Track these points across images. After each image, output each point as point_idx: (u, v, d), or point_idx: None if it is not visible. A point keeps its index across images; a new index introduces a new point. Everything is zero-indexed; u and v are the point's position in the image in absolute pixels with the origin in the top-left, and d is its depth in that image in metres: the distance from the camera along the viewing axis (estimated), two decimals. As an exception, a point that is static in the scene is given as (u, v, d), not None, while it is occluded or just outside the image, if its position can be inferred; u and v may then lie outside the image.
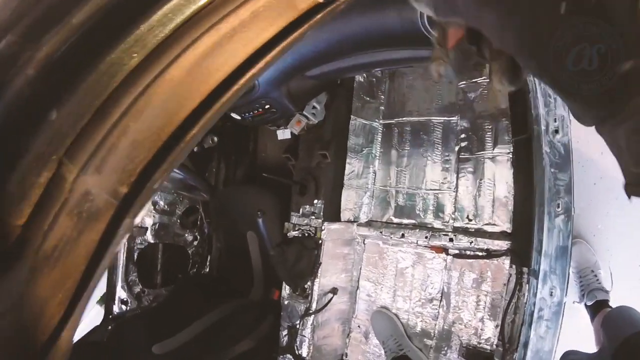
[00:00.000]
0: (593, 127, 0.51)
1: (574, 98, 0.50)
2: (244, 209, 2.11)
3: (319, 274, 1.90)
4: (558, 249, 1.70)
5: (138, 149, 0.50)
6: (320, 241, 1.90)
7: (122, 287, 2.22)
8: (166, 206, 2.33)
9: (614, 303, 2.03)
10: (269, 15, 0.54)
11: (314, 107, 1.85)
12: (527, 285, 1.70)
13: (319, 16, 0.56)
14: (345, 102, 1.97)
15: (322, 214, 1.91)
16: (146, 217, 2.28)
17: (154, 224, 2.29)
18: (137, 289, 2.26)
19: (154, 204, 2.29)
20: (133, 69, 0.49)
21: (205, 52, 0.51)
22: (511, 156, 1.82)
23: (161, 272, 2.35)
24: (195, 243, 2.43)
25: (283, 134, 1.96)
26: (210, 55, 0.52)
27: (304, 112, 1.83)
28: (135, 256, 2.24)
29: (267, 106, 1.72)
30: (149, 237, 2.28)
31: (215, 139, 2.25)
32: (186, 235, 2.41)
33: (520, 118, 1.80)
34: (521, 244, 1.73)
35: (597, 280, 2.01)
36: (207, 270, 2.46)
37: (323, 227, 1.89)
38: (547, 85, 0.51)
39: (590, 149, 2.15)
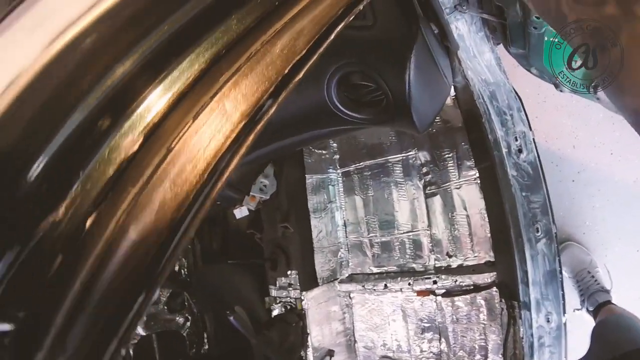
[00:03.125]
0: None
1: None
2: (223, 289, 2.06)
3: (309, 343, 1.85)
4: (546, 275, 1.61)
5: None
6: (302, 312, 1.84)
7: (125, 385, 2.19)
8: (149, 296, 2.28)
9: (617, 295, 1.96)
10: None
11: (261, 182, 1.77)
12: (521, 319, 1.62)
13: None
14: (296, 162, 1.88)
15: (298, 284, 1.84)
16: (132, 311, 2.23)
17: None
18: (141, 383, 2.23)
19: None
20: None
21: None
22: (478, 182, 1.73)
23: (162, 361, 2.31)
24: (188, 324, 2.38)
25: (240, 213, 1.89)
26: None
27: (252, 193, 1.75)
28: (131, 352, 2.21)
29: (211, 200, 1.64)
30: (139, 330, 2.23)
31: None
32: (177, 318, 2.36)
33: (478, 145, 1.70)
34: (506, 275, 1.64)
35: (596, 281, 1.92)
36: (207, 347, 2.41)
37: (302, 297, 1.83)
38: None
39: (562, 145, 2.05)
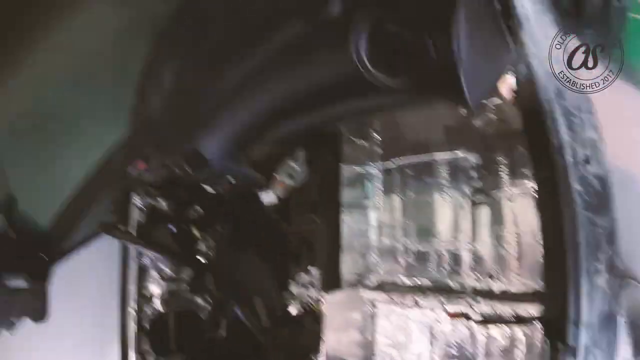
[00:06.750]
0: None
1: None
2: (245, 278, 1.96)
3: (323, 350, 1.69)
4: (602, 317, 1.34)
5: None
6: (320, 314, 1.69)
7: (136, 358, 2.17)
8: (172, 273, 2.24)
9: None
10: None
11: (289, 167, 1.64)
12: (564, 366, 1.35)
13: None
14: (331, 150, 1.73)
15: (320, 283, 1.69)
16: (153, 286, 2.20)
17: (162, 292, 2.21)
18: (151, 358, 2.19)
19: (160, 272, 2.20)
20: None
21: None
22: (534, 195, 1.48)
23: (175, 339, 2.26)
24: (209, 307, 2.32)
25: (268, 197, 1.77)
26: None
27: (279, 178, 1.62)
28: (147, 327, 2.18)
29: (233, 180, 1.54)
30: (158, 306, 2.20)
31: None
32: (197, 300, 2.30)
33: (539, 150, 1.45)
34: (555, 311, 1.39)
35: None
36: (223, 334, 2.33)
37: (322, 299, 1.68)
38: None
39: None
